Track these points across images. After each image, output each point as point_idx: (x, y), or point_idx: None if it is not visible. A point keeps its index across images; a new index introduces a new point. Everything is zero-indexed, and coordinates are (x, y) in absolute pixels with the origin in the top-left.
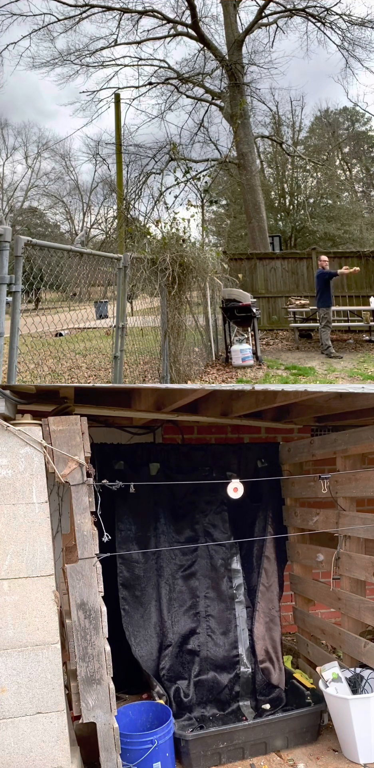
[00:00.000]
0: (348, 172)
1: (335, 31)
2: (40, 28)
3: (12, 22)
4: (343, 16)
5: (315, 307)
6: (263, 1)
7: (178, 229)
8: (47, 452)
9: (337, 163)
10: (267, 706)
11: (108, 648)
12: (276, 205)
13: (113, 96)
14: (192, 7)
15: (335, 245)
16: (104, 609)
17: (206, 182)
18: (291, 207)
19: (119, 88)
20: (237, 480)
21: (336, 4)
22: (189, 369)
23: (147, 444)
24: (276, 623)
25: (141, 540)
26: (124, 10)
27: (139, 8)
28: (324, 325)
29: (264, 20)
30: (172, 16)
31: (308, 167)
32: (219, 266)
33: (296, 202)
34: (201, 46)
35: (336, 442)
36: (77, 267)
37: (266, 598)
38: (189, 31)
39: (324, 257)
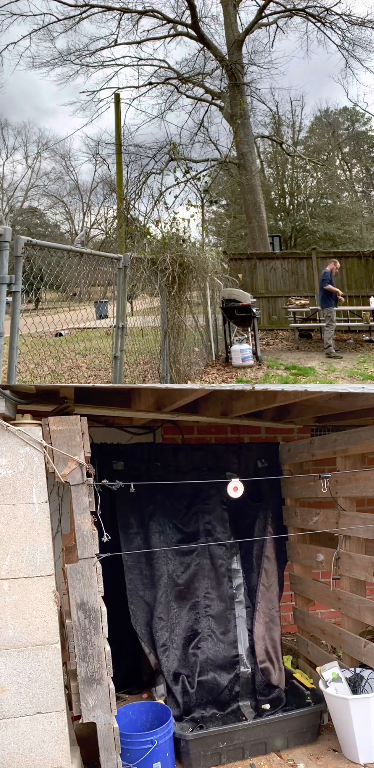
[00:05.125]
0: (348, 172)
1: (335, 31)
2: (40, 28)
3: (12, 22)
4: (343, 16)
5: (316, 307)
6: (263, 1)
7: (177, 229)
8: (47, 452)
9: (337, 163)
10: (267, 706)
11: (108, 648)
12: (276, 205)
13: (113, 96)
14: (192, 7)
15: (335, 245)
16: (104, 609)
17: (206, 182)
18: (291, 207)
19: (119, 88)
20: (237, 479)
21: (336, 4)
22: (190, 369)
23: (147, 444)
24: (276, 623)
25: (140, 540)
26: (124, 10)
27: (139, 8)
28: (328, 324)
29: (264, 20)
30: (172, 16)
31: (308, 167)
32: (219, 266)
33: (296, 202)
34: (201, 46)
35: (336, 442)
36: (77, 267)
37: (266, 598)
38: (189, 31)
39: (333, 261)
